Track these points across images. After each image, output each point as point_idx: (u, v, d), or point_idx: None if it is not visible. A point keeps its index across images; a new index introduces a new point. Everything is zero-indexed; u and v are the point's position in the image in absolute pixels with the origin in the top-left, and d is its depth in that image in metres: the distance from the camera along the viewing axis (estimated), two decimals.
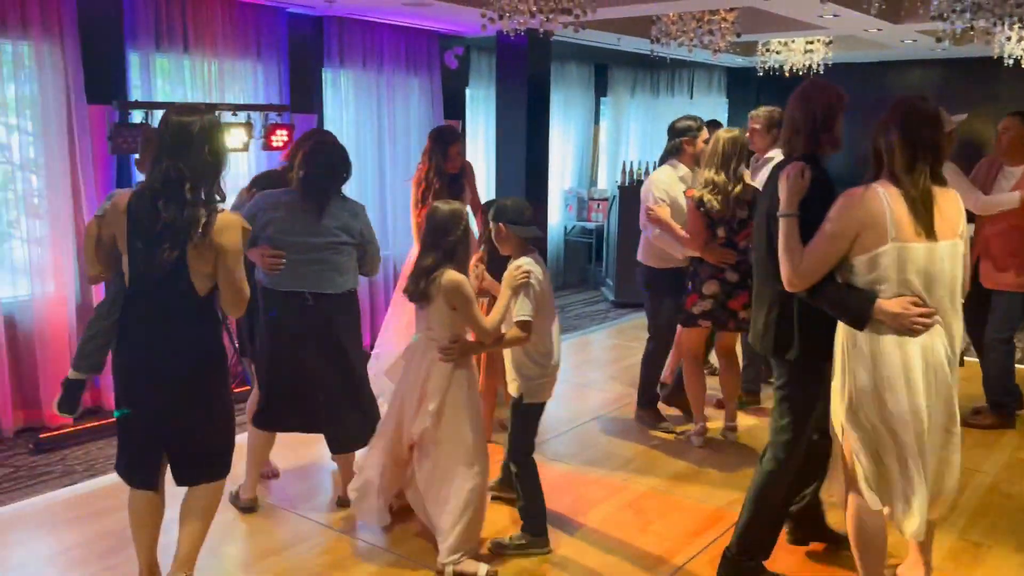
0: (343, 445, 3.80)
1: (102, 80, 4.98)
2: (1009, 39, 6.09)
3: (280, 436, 3.88)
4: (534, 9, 4.69)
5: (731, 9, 5.97)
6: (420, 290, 3.20)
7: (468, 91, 8.09)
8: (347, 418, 3.70)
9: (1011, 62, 6.48)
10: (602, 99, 10.23)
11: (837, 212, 2.71)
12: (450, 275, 3.17)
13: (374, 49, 6.58)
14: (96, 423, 4.87)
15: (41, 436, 4.68)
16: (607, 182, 10.24)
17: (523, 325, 3.24)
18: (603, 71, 10.07)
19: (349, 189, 6.59)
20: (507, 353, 3.43)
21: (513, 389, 3.44)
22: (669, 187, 4.57)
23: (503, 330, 3.29)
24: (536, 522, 3.48)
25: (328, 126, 6.44)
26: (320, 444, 4.01)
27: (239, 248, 2.79)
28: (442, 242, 3.21)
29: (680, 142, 4.69)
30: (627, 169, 8.41)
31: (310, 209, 3.55)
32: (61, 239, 4.89)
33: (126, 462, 2.97)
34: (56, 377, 4.89)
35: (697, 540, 3.61)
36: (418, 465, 3.38)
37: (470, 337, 3.31)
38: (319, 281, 3.54)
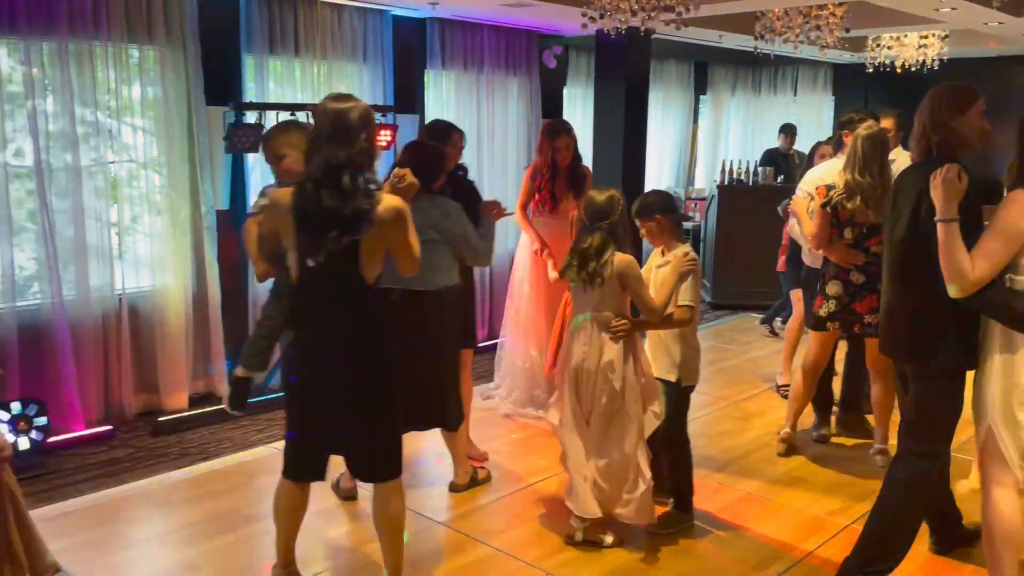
0: (453, 425, 3.92)
1: (220, 83, 5.24)
2: None
3: None
4: (635, 7, 4.67)
5: (840, 3, 5.78)
6: (590, 272, 3.30)
7: (566, 90, 8.11)
8: (447, 400, 3.84)
9: None
10: (701, 97, 10.09)
11: (1018, 212, 2.67)
12: (621, 256, 3.30)
13: (475, 49, 6.68)
14: (209, 408, 5.13)
15: (159, 420, 4.96)
16: (704, 181, 10.09)
17: (689, 310, 3.41)
18: (703, 68, 9.92)
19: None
20: (656, 342, 3.58)
21: (666, 374, 3.54)
22: (823, 180, 4.38)
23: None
24: (687, 499, 3.68)
25: None
26: (415, 436, 4.13)
27: (407, 224, 2.78)
28: (604, 225, 3.33)
29: (840, 134, 4.66)
30: (727, 168, 8.26)
31: None
32: (180, 234, 5.17)
33: (294, 453, 2.95)
34: (174, 364, 5.18)
35: (794, 548, 3.54)
36: (594, 437, 3.44)
37: None
38: (408, 279, 3.63)
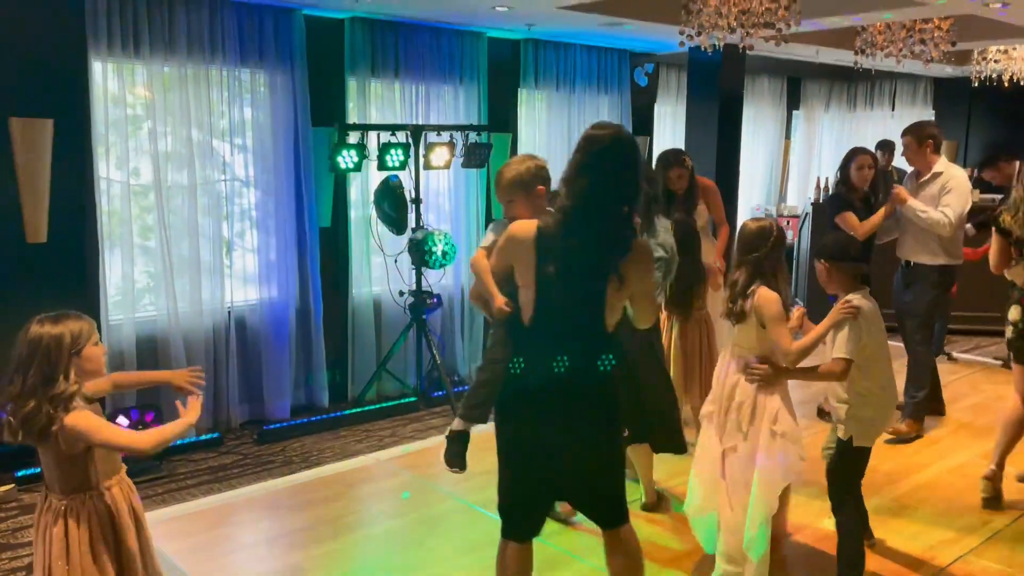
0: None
1: (325, 104, 5.44)
2: None
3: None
4: (734, 24, 4.64)
5: (946, 17, 5.62)
6: (736, 309, 3.12)
7: (656, 107, 8.10)
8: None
9: None
10: (794, 112, 9.91)
11: None
12: (763, 292, 3.07)
13: (567, 69, 6.76)
14: (311, 418, 5.30)
15: (264, 428, 5.14)
16: (796, 198, 9.89)
17: (842, 362, 3.07)
18: (796, 84, 9.75)
19: None
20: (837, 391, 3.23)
21: (840, 430, 3.23)
22: None
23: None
24: (854, 570, 3.20)
25: (522, 145, 6.67)
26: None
27: (652, 268, 2.67)
28: (750, 258, 3.11)
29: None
30: (821, 184, 8.08)
31: None
32: (285, 250, 5.37)
33: (516, 512, 2.71)
34: (277, 375, 5.38)
35: None
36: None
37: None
38: None
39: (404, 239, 5.59)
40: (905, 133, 4.85)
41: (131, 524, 2.50)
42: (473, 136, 5.83)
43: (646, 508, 3.96)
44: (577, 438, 2.57)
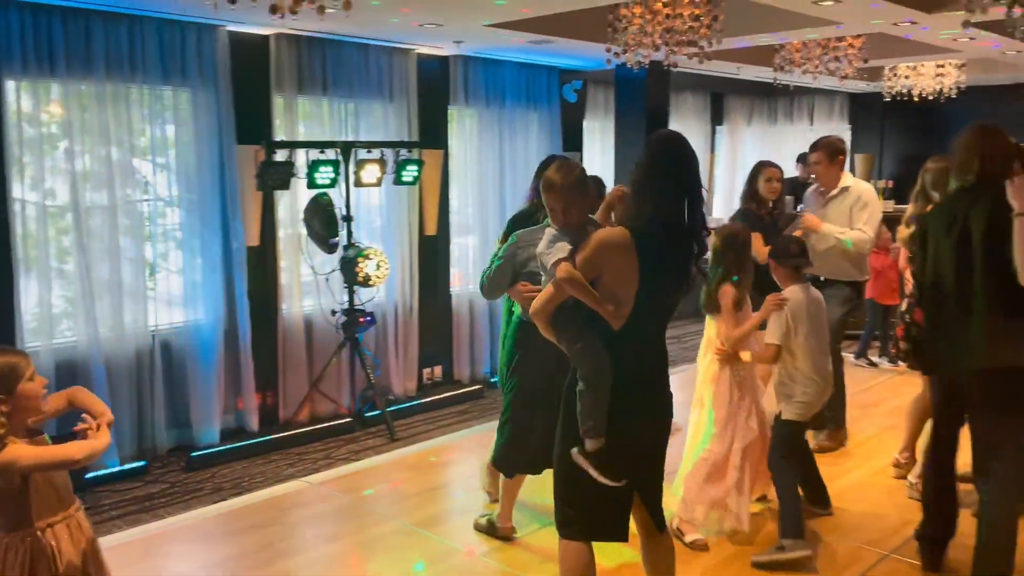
0: None
1: (250, 122, 5.34)
2: None
3: None
4: (659, 42, 4.75)
5: (858, 36, 5.85)
6: (713, 303, 3.71)
7: (585, 123, 8.21)
8: None
9: None
10: (718, 127, 10.17)
11: None
12: (724, 287, 3.65)
13: (497, 85, 6.79)
14: (241, 442, 5.17)
15: (192, 455, 4.99)
16: (722, 210, 10.13)
17: (770, 347, 3.58)
18: (719, 100, 10.02)
19: (472, 222, 6.81)
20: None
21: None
22: None
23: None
24: (792, 522, 3.55)
25: (453, 161, 6.67)
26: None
27: None
28: (725, 257, 3.68)
29: None
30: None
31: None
32: (211, 270, 5.25)
33: (604, 516, 2.69)
34: (206, 400, 5.23)
35: None
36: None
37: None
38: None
39: (335, 257, 5.52)
40: (816, 148, 4.83)
41: (77, 565, 2.39)
42: (404, 152, 5.81)
43: None
44: (663, 438, 2.75)
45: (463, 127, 6.70)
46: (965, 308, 3.10)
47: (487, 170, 6.84)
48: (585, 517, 2.68)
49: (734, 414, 3.71)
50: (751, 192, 4.71)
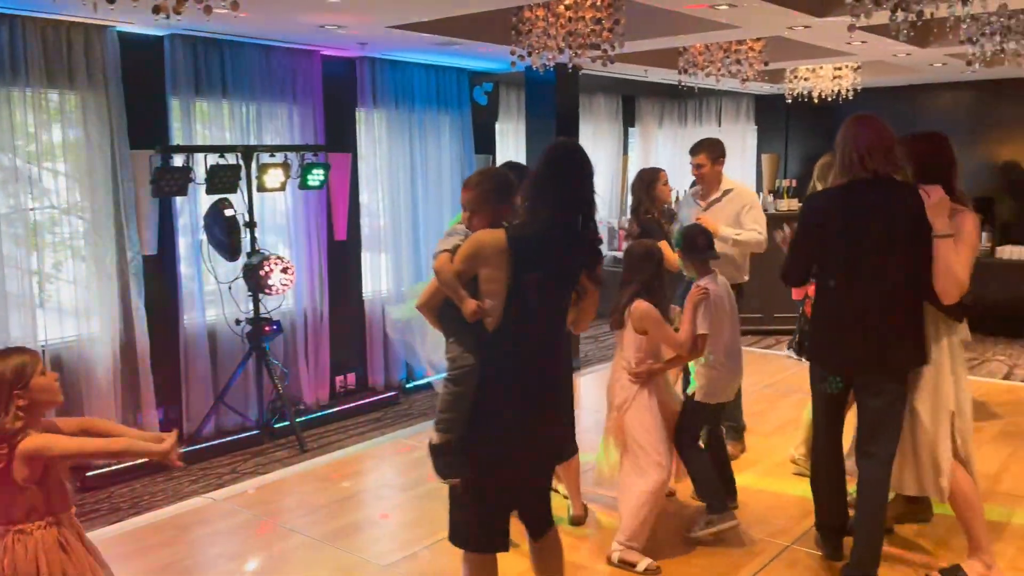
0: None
1: (144, 126, 5.14)
2: None
3: None
4: (562, 45, 4.77)
5: (758, 39, 6.00)
6: (619, 319, 3.67)
7: (497, 125, 8.20)
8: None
9: None
10: (630, 129, 10.31)
11: (976, 228, 3.19)
12: (639, 305, 3.59)
13: (406, 88, 6.71)
14: (140, 461, 4.95)
15: (87, 474, 4.77)
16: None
17: (701, 338, 3.67)
18: (631, 102, 10.15)
19: (383, 223, 6.71)
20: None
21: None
22: None
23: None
24: (715, 499, 3.73)
25: (362, 164, 6.57)
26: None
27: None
28: (639, 277, 3.64)
29: None
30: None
31: None
32: (105, 281, 5.02)
33: (487, 528, 2.69)
34: (101, 416, 4.98)
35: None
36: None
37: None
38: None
39: (239, 265, 5.36)
40: (699, 151, 4.81)
41: (85, 555, 2.51)
42: (309, 156, 5.68)
43: (574, 522, 3.98)
44: (547, 440, 2.72)
45: (371, 130, 6.60)
46: (859, 305, 3.17)
47: (398, 173, 6.75)
48: (466, 528, 2.69)
49: (660, 437, 3.64)
50: (650, 199, 4.67)
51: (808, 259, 3.35)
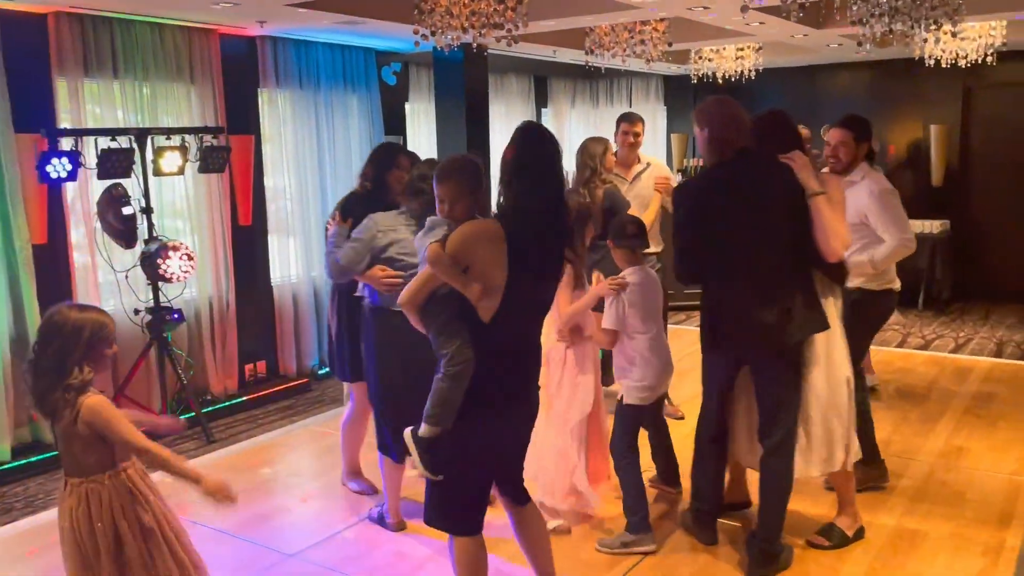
0: None
1: (29, 108, 4.88)
2: (926, 41, 6.30)
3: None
4: (466, 25, 4.72)
5: (662, 19, 6.08)
6: None
7: (408, 106, 8.11)
8: None
9: (932, 62, 6.71)
10: (543, 110, 10.33)
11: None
12: None
13: (310, 68, 6.55)
14: (36, 458, 4.76)
15: None
16: None
17: (607, 332, 3.58)
18: (543, 82, 10.17)
19: (291, 207, 6.57)
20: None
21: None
22: None
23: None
24: (636, 517, 3.57)
25: (266, 146, 6.40)
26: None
27: None
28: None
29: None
30: (569, 178, 8.48)
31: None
32: None
33: (465, 511, 2.74)
34: None
35: None
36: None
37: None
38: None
39: (136, 252, 5.17)
40: (637, 120, 4.92)
41: (156, 502, 2.58)
42: (209, 139, 5.50)
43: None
44: (530, 422, 2.81)
45: (276, 111, 6.43)
46: (752, 285, 3.16)
47: (305, 156, 6.60)
48: (445, 509, 2.73)
49: (572, 393, 3.68)
50: (604, 167, 4.70)
51: (696, 248, 3.23)
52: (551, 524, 3.57)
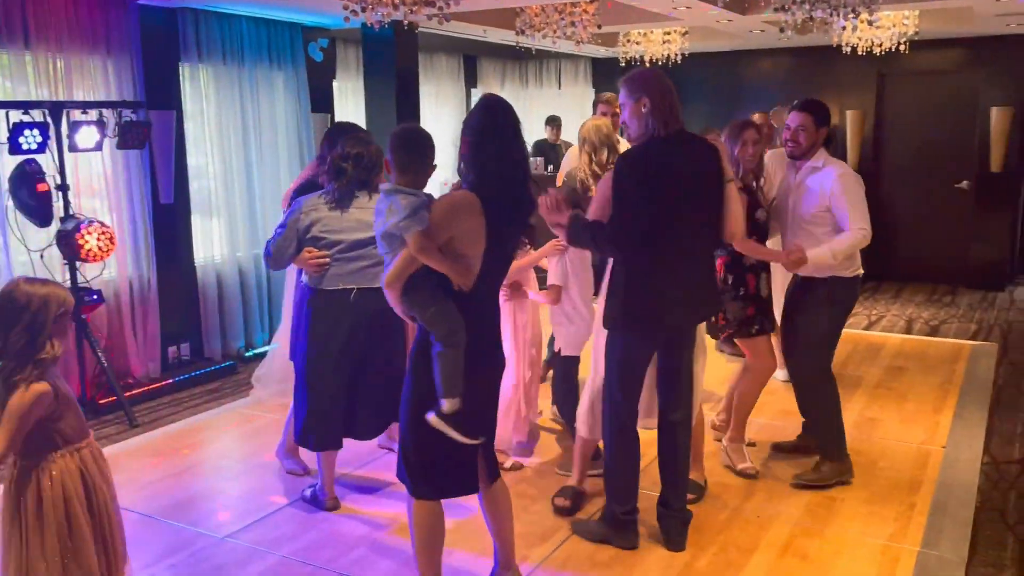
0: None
1: None
2: (844, 28, 6.52)
3: None
4: (397, 1, 4.67)
5: (591, 1, 6.12)
6: None
7: (336, 84, 7.97)
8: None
9: (848, 50, 6.95)
10: (472, 90, 10.29)
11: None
12: None
13: (234, 42, 6.37)
14: None
15: None
16: None
17: (554, 288, 3.99)
18: (472, 62, 10.13)
19: (214, 186, 6.41)
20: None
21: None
22: None
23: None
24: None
25: (189, 123, 6.21)
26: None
27: None
28: None
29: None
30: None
31: (349, 206, 3.58)
32: None
33: (457, 473, 2.82)
34: None
35: None
36: None
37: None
38: (364, 277, 3.57)
39: (51, 231, 4.97)
40: (614, 100, 4.73)
41: (102, 484, 2.59)
42: (128, 113, 5.31)
43: None
44: (498, 380, 2.93)
45: (198, 86, 6.24)
46: (679, 261, 3.18)
47: (229, 133, 6.42)
48: (439, 477, 2.79)
49: (518, 344, 4.12)
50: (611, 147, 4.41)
51: (634, 220, 3.07)
52: (507, 464, 4.07)
